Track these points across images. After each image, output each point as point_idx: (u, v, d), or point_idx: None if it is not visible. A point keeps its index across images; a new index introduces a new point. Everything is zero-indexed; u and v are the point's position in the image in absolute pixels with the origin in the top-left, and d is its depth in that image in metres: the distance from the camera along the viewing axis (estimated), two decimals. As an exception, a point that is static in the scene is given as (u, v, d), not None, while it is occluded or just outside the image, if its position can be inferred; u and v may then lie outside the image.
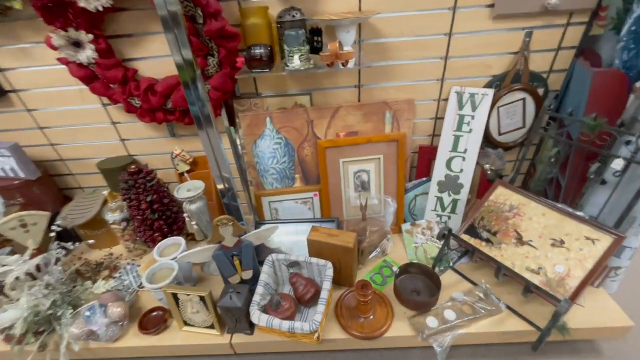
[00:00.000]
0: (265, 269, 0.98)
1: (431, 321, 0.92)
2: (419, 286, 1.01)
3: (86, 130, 1.23)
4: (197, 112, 0.87)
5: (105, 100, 1.14)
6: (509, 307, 0.94)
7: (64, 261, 1.02)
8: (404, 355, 0.97)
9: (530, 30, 0.99)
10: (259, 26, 0.91)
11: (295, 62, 0.88)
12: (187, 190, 1.07)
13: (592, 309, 0.92)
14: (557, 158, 1.05)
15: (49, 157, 1.30)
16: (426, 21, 0.99)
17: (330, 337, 0.92)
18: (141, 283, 1.10)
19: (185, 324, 0.97)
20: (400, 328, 0.93)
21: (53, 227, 1.00)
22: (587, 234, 0.89)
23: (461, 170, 1.16)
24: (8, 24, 1.00)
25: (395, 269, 1.10)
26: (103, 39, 0.97)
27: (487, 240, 1.01)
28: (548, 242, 0.93)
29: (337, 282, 1.03)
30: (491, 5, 0.96)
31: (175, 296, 0.91)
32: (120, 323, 0.95)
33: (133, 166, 1.07)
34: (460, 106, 1.10)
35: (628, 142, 0.88)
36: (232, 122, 1.16)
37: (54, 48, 0.95)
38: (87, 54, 0.96)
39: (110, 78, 1.01)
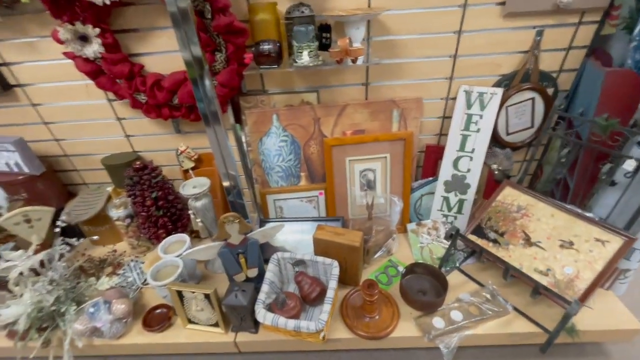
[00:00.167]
0: (271, 268, 0.97)
1: (438, 322, 0.91)
2: (425, 286, 1.01)
3: (91, 125, 1.22)
4: (204, 108, 0.86)
5: (111, 95, 1.13)
6: (516, 309, 0.93)
7: (67, 257, 1.01)
8: (409, 356, 0.96)
9: (541, 29, 0.98)
10: (268, 22, 0.90)
11: (304, 58, 0.87)
12: (193, 187, 1.06)
13: (600, 312, 0.91)
14: (568, 158, 1.04)
15: (54, 153, 1.29)
16: (436, 19, 0.98)
17: (336, 336, 0.91)
18: (145, 280, 1.09)
19: (190, 321, 0.96)
20: (406, 328, 0.92)
21: (58, 223, 0.99)
22: (597, 235, 0.88)
23: (468, 170, 1.15)
24: (14, 18, 0.99)
25: (400, 268, 1.09)
26: (110, 34, 0.96)
27: (495, 241, 1.00)
28: (557, 243, 0.92)
29: (342, 281, 1.02)
30: (502, 3, 0.95)
31: (180, 294, 0.90)
32: (124, 320, 0.94)
33: (138, 162, 1.06)
34: (469, 105, 1.09)
35: (640, 143, 0.87)
36: (237, 119, 1.15)
37: (60, 42, 0.94)
38: (94, 49, 0.95)
39: (116, 73, 1.00)
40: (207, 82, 0.83)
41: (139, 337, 0.95)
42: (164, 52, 1.05)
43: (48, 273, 0.95)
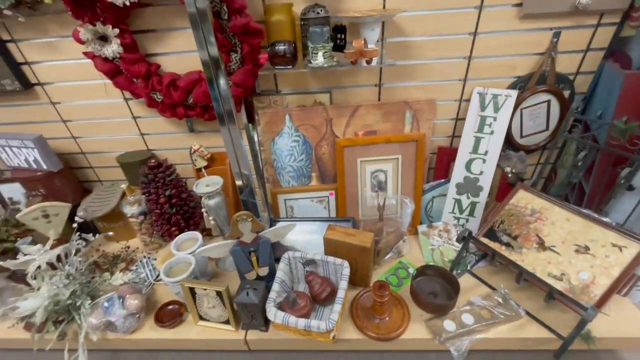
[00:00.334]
0: (282, 267, 0.98)
1: (449, 324, 0.91)
2: (436, 289, 1.00)
3: (107, 124, 1.24)
4: (219, 108, 0.87)
5: (127, 94, 1.15)
6: (528, 313, 0.92)
7: (83, 252, 1.04)
8: (420, 358, 0.96)
9: (558, 31, 0.97)
10: (283, 23, 0.90)
11: (319, 59, 0.88)
12: (206, 186, 1.07)
13: (616, 318, 0.89)
14: (584, 162, 1.02)
15: (71, 150, 1.32)
16: (451, 20, 0.98)
17: (345, 337, 0.91)
18: (157, 276, 1.11)
19: (201, 318, 0.97)
20: (416, 330, 0.91)
21: (76, 219, 1.02)
22: (614, 240, 0.86)
23: (481, 173, 1.14)
24: (36, 18, 1.02)
25: (411, 270, 1.09)
26: (128, 34, 0.98)
27: (507, 245, 0.99)
28: (572, 248, 0.90)
29: (352, 282, 1.02)
30: (519, 5, 0.94)
31: (192, 290, 0.91)
32: (137, 315, 0.96)
33: (153, 160, 1.08)
34: (483, 107, 1.08)
35: (660, 147, 0.86)
36: (250, 118, 1.16)
37: (81, 42, 0.96)
38: (113, 49, 0.97)
39: (134, 72, 1.02)
40: (223, 82, 0.84)
41: (151, 332, 0.97)
42: (179, 53, 1.06)
43: (65, 267, 0.97)
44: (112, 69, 1.02)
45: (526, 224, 0.99)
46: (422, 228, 1.21)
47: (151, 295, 1.07)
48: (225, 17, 0.90)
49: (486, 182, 1.14)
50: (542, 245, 0.94)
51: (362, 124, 1.15)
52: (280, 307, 0.91)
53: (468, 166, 1.14)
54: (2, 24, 1.04)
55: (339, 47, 0.95)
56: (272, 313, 0.86)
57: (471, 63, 1.06)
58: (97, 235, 1.07)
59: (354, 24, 0.95)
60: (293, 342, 0.94)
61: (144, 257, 1.20)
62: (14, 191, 1.26)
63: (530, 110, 1.09)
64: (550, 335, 0.87)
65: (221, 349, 0.99)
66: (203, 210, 1.09)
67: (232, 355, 1.00)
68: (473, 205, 1.18)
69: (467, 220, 1.21)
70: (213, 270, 1.15)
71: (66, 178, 1.30)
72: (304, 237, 1.16)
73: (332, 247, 0.99)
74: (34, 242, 1.08)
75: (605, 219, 0.91)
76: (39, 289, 0.94)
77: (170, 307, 1.02)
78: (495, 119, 1.08)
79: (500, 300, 0.95)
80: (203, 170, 1.21)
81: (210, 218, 1.09)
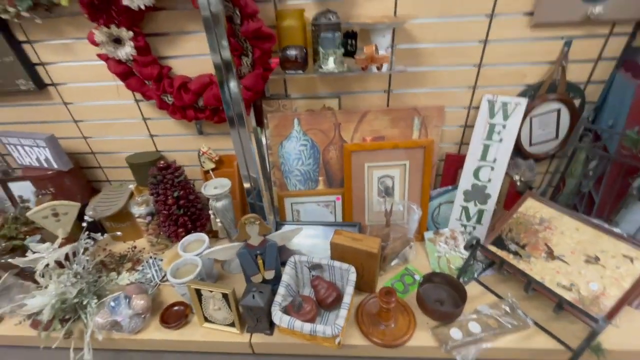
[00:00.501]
0: (288, 270, 0.98)
1: (455, 333, 0.90)
2: (443, 296, 0.99)
3: (118, 125, 1.26)
4: (230, 111, 0.88)
5: (138, 96, 1.17)
6: (536, 324, 0.91)
7: (90, 251, 1.04)
8: (425, 366, 0.95)
9: (569, 40, 0.97)
10: (294, 28, 0.91)
11: (330, 64, 0.88)
12: (214, 188, 1.08)
13: (627, 331, 0.88)
14: (595, 172, 1.02)
15: (81, 150, 1.34)
16: (462, 28, 0.98)
17: (351, 342, 0.91)
18: (163, 277, 1.11)
19: (206, 320, 0.97)
20: (422, 338, 0.91)
21: (86, 218, 1.02)
22: (625, 252, 0.85)
23: (489, 180, 1.13)
24: (52, 20, 1.04)
25: (417, 277, 1.08)
26: (142, 37, 0.99)
27: (515, 253, 0.98)
28: (581, 258, 0.89)
29: (358, 287, 1.01)
30: (530, 13, 0.94)
31: (198, 292, 0.91)
32: (143, 315, 0.96)
33: (162, 162, 1.09)
34: (492, 115, 1.08)
35: (672, 158, 0.85)
36: (259, 122, 1.17)
37: (95, 44, 0.98)
38: (127, 51, 0.99)
39: (146, 75, 1.04)
40: (234, 85, 0.84)
41: (156, 333, 0.97)
42: (191, 56, 1.08)
43: (73, 266, 0.98)
44: (124, 71, 1.03)
45: (535, 233, 0.98)
46: (428, 235, 1.20)
47: (157, 295, 1.07)
48: (238, 21, 0.91)
49: (494, 190, 1.13)
50: (550, 255, 0.93)
51: (370, 130, 1.16)
52: (285, 311, 0.90)
53: (476, 173, 1.14)
54: (19, 25, 1.06)
55: (349, 53, 0.95)
56: (278, 317, 0.85)
57: (481, 71, 1.06)
58: (105, 235, 1.08)
59: (365, 30, 0.95)
60: (298, 346, 0.93)
61: (151, 257, 1.20)
62: (24, 189, 1.27)
63: (540, 119, 1.09)
64: (559, 347, 0.86)
65: (226, 352, 0.99)
66: (210, 212, 1.10)
67: (237, 358, 0.99)
68: (480, 212, 1.17)
69: (474, 228, 1.20)
70: (218, 272, 1.15)
71: (76, 177, 1.31)
72: (309, 241, 1.16)
73: (338, 252, 0.99)
74: (42, 240, 1.10)
75: (616, 230, 0.90)
76: (46, 287, 0.95)
77: (176, 308, 1.02)
78: (504, 126, 1.08)
79: (507, 309, 0.94)
80: (211, 172, 1.22)
81: (217, 220, 1.10)
